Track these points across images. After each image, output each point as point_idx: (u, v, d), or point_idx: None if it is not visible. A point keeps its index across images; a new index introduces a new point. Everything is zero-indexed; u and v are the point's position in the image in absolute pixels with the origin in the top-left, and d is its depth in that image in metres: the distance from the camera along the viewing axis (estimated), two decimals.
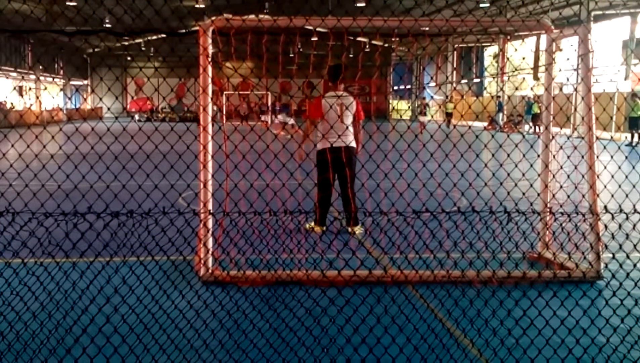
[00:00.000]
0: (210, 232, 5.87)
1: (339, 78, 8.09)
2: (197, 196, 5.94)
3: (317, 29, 5.87)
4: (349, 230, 8.01)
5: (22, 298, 4.34)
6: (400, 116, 43.35)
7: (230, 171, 5.28)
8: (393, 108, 51.92)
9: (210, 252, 5.96)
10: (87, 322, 4.24)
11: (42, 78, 48.34)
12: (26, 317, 4.46)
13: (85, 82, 57.27)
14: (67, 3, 30.15)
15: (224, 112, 30.72)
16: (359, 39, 42.41)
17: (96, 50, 53.88)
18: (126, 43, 51.97)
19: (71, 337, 4.24)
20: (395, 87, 57.75)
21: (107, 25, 35.71)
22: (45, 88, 49.54)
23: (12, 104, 43.93)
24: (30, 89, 47.29)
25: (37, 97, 46.06)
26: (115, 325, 4.21)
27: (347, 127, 7.97)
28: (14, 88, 45.21)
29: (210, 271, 5.95)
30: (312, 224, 8.19)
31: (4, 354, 4.07)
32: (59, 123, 36.42)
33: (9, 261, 4.57)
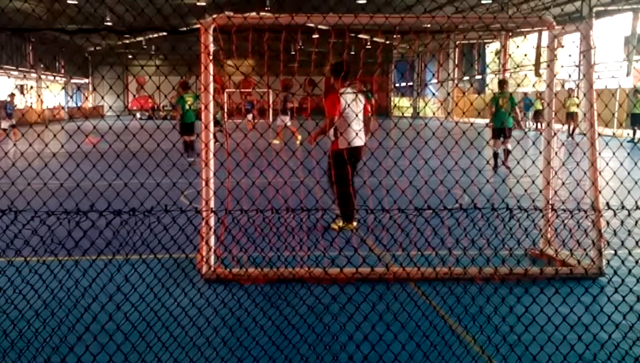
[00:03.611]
0: (212, 230, 5.87)
1: (343, 75, 8.01)
2: (199, 194, 5.94)
3: (319, 27, 5.86)
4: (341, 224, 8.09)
5: (25, 297, 4.34)
6: (402, 114, 43.09)
7: (232, 169, 5.28)
8: (394, 105, 51.82)
9: (212, 250, 5.97)
10: (89, 320, 4.25)
11: (43, 77, 48.36)
12: (29, 315, 4.47)
13: (87, 80, 57.29)
14: (68, 1, 30.10)
15: (226, 110, 30.50)
16: (360, 36, 42.34)
17: (97, 48, 53.90)
18: (127, 41, 51.96)
19: (74, 334, 4.25)
20: (397, 85, 57.72)
21: (108, 24, 35.69)
22: (47, 87, 49.50)
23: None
24: (31, 87, 47.29)
25: (39, 96, 46.04)
26: (118, 323, 4.21)
27: (363, 124, 8.05)
28: (16, 87, 45.19)
29: (212, 269, 5.96)
30: (341, 223, 8.10)
31: (7, 352, 4.08)
32: (60, 121, 36.44)
33: (12, 259, 4.58)
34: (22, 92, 45.32)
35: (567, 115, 27.33)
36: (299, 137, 20.00)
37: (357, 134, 7.81)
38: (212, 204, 5.87)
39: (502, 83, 15.08)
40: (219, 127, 21.75)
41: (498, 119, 14.27)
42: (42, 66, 48.37)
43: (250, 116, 29.03)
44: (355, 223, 8.10)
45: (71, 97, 55.82)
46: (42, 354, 4.08)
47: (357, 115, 7.96)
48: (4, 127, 24.24)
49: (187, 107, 16.12)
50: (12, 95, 27.19)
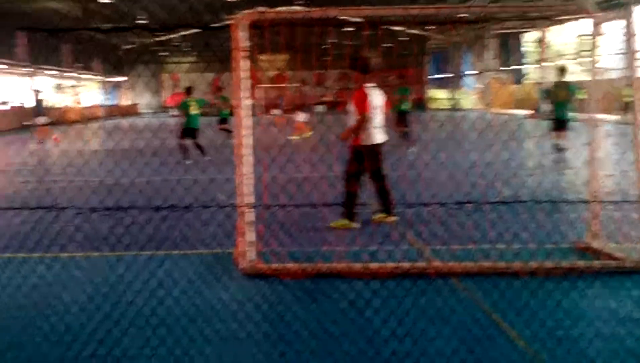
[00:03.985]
0: (250, 225, 5.87)
1: (369, 70, 7.96)
2: (236, 190, 5.95)
3: (352, 19, 5.80)
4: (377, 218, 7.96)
5: (71, 291, 4.40)
6: (440, 106, 42.46)
7: (268, 165, 5.26)
8: (430, 98, 51.34)
9: (251, 245, 5.96)
10: (133, 313, 4.27)
11: (80, 76, 49.12)
12: (75, 309, 4.53)
13: (122, 78, 57.96)
14: (103, 1, 30.44)
15: (259, 105, 30.55)
16: (394, 28, 42.02)
17: (132, 46, 54.45)
18: (161, 39, 52.49)
19: (119, 328, 4.29)
20: (433, 76, 57.13)
21: (142, 22, 36.03)
22: (86, 86, 50.33)
23: (50, 102, 44.56)
24: (70, 86, 48.05)
25: (77, 95, 46.79)
26: (161, 317, 4.23)
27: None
28: (56, 86, 45.97)
29: (251, 263, 5.95)
30: (382, 214, 7.86)
31: (55, 345, 4.13)
32: (98, 120, 36.99)
33: (57, 255, 4.64)
34: (60, 91, 46.00)
35: (624, 104, 25.77)
36: (308, 133, 20.13)
37: (381, 129, 7.77)
38: (249, 199, 5.86)
39: (561, 70, 13.43)
40: (227, 124, 21.17)
41: (556, 109, 12.53)
42: (78, 65, 49.12)
43: (278, 111, 28.74)
44: (393, 218, 8.02)
45: (108, 95, 56.62)
46: (88, 347, 4.13)
47: (380, 111, 7.85)
48: (43, 122, 24.12)
49: (191, 112, 15.80)
50: (36, 92, 26.77)
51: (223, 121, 20.55)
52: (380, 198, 8.04)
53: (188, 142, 15.57)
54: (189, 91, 16.16)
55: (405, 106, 16.72)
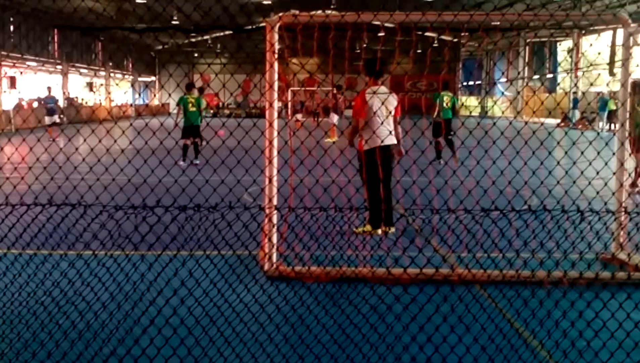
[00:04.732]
0: (275, 227, 5.89)
1: (379, 73, 7.78)
2: (263, 192, 5.97)
3: (385, 24, 5.80)
4: (387, 229, 7.69)
5: (93, 289, 4.45)
6: (470, 113, 42.13)
7: (295, 167, 5.28)
8: (462, 104, 50.98)
9: (275, 247, 5.98)
10: (154, 313, 4.31)
11: (112, 75, 49.75)
12: (96, 307, 4.58)
13: (153, 78, 58.48)
14: (137, 1, 30.72)
15: (290, 108, 30.61)
16: (427, 34, 41.82)
17: (165, 47, 55.02)
18: (194, 40, 52.91)
19: (139, 327, 4.33)
20: (465, 83, 56.75)
21: (175, 22, 36.37)
22: (118, 84, 50.94)
23: (82, 100, 45.17)
24: (101, 85, 48.60)
25: (109, 93, 47.35)
26: (182, 317, 4.27)
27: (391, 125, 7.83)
28: (87, 85, 46.59)
29: (274, 266, 5.97)
30: (368, 227, 7.76)
31: (75, 343, 4.18)
32: (128, 119, 37.39)
33: (81, 252, 4.70)
34: (91, 90, 46.54)
35: None
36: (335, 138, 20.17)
37: (390, 132, 7.66)
38: (275, 201, 5.88)
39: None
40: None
41: None
42: (110, 64, 49.73)
43: (299, 116, 28.41)
44: (390, 228, 7.75)
45: (139, 95, 57.23)
46: (108, 345, 4.17)
47: (390, 113, 7.69)
48: (47, 123, 23.15)
49: (190, 109, 15.27)
50: (49, 88, 25.71)
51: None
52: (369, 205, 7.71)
53: (189, 142, 15.14)
54: (189, 87, 15.81)
55: (447, 114, 15.73)
